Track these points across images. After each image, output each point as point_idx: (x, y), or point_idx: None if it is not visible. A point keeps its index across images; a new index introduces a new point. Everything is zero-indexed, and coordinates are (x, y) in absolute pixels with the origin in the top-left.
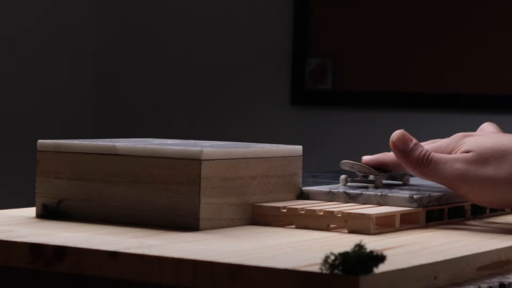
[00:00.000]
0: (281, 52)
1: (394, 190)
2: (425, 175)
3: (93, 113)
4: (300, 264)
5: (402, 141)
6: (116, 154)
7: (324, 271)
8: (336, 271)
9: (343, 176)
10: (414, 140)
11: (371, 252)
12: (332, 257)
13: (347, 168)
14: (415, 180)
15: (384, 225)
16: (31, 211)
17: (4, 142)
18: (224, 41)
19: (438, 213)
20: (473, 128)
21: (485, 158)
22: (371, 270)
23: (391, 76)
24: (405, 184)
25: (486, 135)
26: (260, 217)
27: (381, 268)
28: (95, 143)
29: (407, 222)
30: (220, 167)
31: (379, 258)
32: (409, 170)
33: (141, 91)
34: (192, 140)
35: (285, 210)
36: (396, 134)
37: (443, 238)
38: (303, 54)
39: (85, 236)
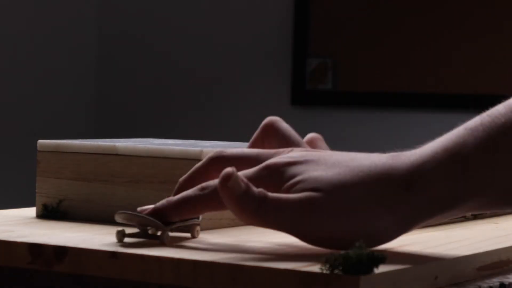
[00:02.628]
0: (281, 52)
1: None
2: (265, 223)
3: (93, 113)
4: (300, 264)
5: (235, 181)
6: (117, 154)
7: (325, 271)
8: (336, 271)
9: (118, 230)
10: (245, 180)
11: (372, 252)
12: (333, 258)
13: (123, 221)
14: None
15: None
16: (31, 211)
17: (4, 142)
18: (224, 41)
19: None
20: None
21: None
22: (371, 271)
23: (391, 76)
24: (194, 237)
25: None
26: None
27: (382, 268)
28: (96, 143)
29: None
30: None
31: (380, 258)
32: (244, 220)
33: (141, 91)
34: (192, 140)
35: None
36: (226, 172)
37: (443, 238)
38: (303, 54)
39: (85, 236)
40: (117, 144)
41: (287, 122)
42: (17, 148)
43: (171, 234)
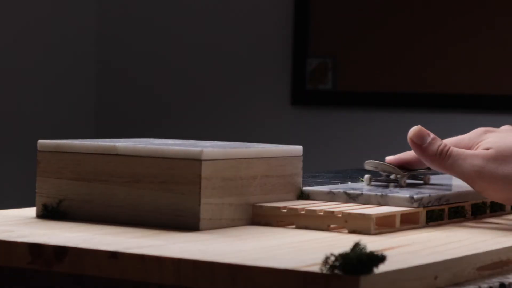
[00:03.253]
0: (281, 52)
1: (394, 190)
2: (443, 169)
3: (93, 113)
4: (300, 264)
5: (419, 136)
6: (117, 154)
7: (325, 271)
8: (336, 271)
9: (367, 176)
10: (432, 135)
11: (372, 252)
12: (333, 258)
13: (371, 168)
14: (436, 179)
15: (384, 225)
16: (31, 211)
17: (4, 142)
18: (224, 41)
19: (438, 213)
20: (474, 129)
21: (504, 156)
22: (371, 271)
23: (391, 76)
24: (426, 184)
25: (507, 133)
26: (260, 217)
27: (381, 268)
28: (96, 143)
29: (407, 222)
30: (220, 167)
31: (380, 258)
32: (428, 164)
33: (141, 91)
34: (192, 140)
35: (285, 210)
36: (413, 129)
37: (443, 238)
38: (303, 54)
39: (85, 236)
40: (117, 144)
41: (287, 122)
42: (17, 148)
43: (408, 181)
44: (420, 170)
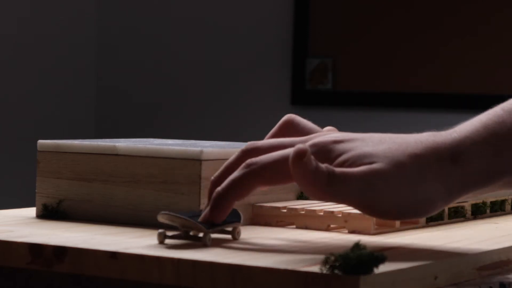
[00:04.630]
0: (281, 52)
1: None
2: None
3: (93, 113)
4: (300, 264)
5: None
6: (117, 155)
7: (325, 271)
8: (336, 271)
9: (160, 231)
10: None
11: (372, 253)
12: (333, 258)
13: (166, 222)
14: (245, 234)
15: (384, 225)
16: (31, 211)
17: (4, 142)
18: (224, 41)
19: (438, 213)
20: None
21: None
22: (371, 271)
23: (391, 76)
24: (235, 239)
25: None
26: (260, 217)
27: (381, 268)
28: (95, 143)
29: (407, 222)
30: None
31: (380, 258)
32: (313, 195)
33: (141, 91)
34: (192, 140)
35: (285, 210)
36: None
37: (443, 238)
38: (303, 54)
39: (85, 236)
40: (117, 144)
41: None
42: (17, 148)
43: (213, 236)
44: (228, 224)
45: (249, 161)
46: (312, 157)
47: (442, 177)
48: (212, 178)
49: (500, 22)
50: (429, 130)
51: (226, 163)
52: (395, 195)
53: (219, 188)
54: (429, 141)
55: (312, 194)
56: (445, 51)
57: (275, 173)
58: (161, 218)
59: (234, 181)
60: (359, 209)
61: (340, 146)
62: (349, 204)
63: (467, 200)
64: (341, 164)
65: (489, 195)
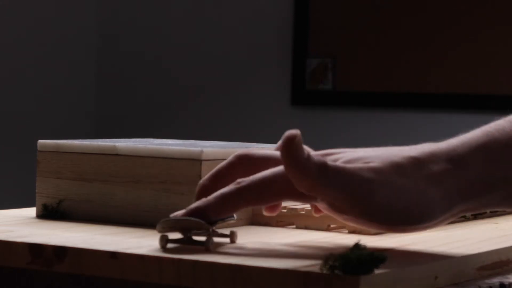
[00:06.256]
0: (281, 52)
1: None
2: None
3: (93, 113)
4: (300, 264)
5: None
6: (117, 154)
7: (325, 271)
8: (336, 271)
9: (162, 235)
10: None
11: (372, 252)
12: (333, 258)
13: (165, 231)
14: (245, 234)
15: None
16: (31, 211)
17: (4, 142)
18: (224, 41)
19: None
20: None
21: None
22: (371, 271)
23: (391, 76)
24: (232, 242)
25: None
26: (260, 217)
27: (381, 268)
28: (96, 143)
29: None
30: None
31: (380, 258)
32: (303, 187)
33: (141, 91)
34: (192, 140)
35: (285, 210)
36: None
37: (443, 238)
38: (303, 54)
39: (85, 236)
40: (117, 144)
41: (287, 122)
42: (17, 148)
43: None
44: (224, 220)
45: (239, 180)
46: (306, 147)
47: (439, 181)
48: (200, 182)
49: (496, 21)
50: (429, 130)
51: (216, 168)
52: (388, 195)
53: (210, 199)
54: (425, 146)
55: (302, 185)
56: (445, 51)
57: (264, 189)
58: (161, 228)
59: (224, 196)
60: (346, 207)
61: (332, 157)
62: (336, 199)
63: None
64: (335, 161)
65: None
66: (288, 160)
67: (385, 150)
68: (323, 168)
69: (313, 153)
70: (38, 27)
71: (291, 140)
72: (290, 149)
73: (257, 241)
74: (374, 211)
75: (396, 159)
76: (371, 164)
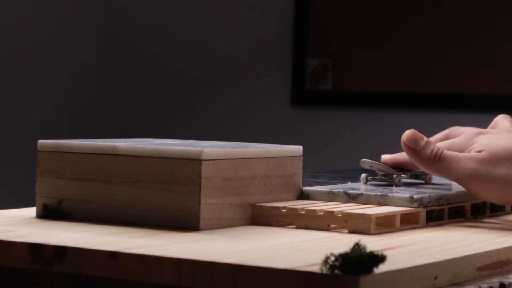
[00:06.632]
0: (281, 52)
1: (394, 190)
2: (437, 172)
3: (93, 113)
4: (300, 264)
5: (413, 140)
6: (117, 154)
7: (325, 271)
8: (336, 271)
9: (364, 175)
10: (425, 139)
11: (372, 252)
12: (333, 258)
13: (366, 167)
14: (437, 179)
15: (384, 225)
16: (31, 211)
17: (4, 142)
18: (224, 41)
19: (438, 213)
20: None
21: (497, 158)
22: (371, 271)
23: (391, 76)
24: (427, 183)
25: (499, 134)
26: (260, 217)
27: (381, 268)
28: (96, 143)
29: (407, 222)
30: (220, 167)
31: (380, 258)
32: (422, 168)
33: (141, 91)
34: (192, 140)
35: (285, 210)
36: (407, 133)
37: (443, 238)
38: (303, 54)
39: (85, 236)
40: (117, 144)
41: (287, 122)
42: (17, 148)
43: (409, 180)
44: (418, 171)
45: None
46: (425, 138)
47: None
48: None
49: (495, 22)
50: (429, 130)
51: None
52: (485, 184)
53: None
54: None
55: (422, 168)
56: (445, 52)
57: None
58: (363, 164)
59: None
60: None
61: (479, 137)
62: (448, 177)
63: (467, 200)
64: (472, 150)
65: None
66: (408, 149)
67: (506, 137)
68: (437, 155)
69: (435, 137)
70: (38, 27)
71: (406, 140)
72: (407, 146)
73: (257, 241)
74: (476, 191)
75: (501, 151)
76: (478, 154)
